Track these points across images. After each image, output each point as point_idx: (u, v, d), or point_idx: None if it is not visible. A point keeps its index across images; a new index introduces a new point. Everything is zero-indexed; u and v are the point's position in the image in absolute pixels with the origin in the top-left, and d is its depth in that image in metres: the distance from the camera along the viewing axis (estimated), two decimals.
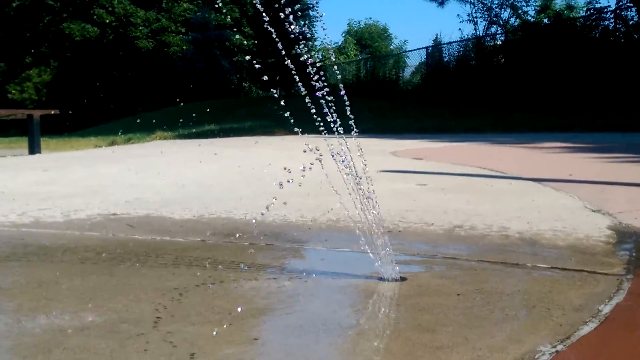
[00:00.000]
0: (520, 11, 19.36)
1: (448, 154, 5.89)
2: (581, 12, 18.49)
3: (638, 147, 6.06)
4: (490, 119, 11.35)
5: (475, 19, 19.53)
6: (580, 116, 10.68)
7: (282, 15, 1.51)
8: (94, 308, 1.37)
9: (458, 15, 27.56)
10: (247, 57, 2.04)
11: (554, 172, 4.00)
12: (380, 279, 1.56)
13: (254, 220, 2.44)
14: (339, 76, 2.25)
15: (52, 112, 8.62)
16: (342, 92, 1.56)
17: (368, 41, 49.43)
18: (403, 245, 1.98)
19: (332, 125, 1.56)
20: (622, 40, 14.59)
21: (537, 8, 19.99)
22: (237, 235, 2.15)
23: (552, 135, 8.24)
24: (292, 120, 1.59)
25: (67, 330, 1.23)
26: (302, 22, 21.17)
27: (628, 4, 14.73)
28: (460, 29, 31.47)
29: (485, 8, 19.57)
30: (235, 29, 26.78)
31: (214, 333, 1.20)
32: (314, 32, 23.42)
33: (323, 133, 1.56)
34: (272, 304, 1.42)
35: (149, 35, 27.80)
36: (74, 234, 2.28)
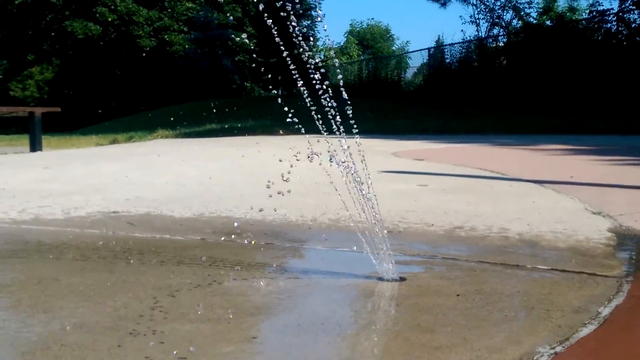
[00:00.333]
0: (522, 13, 19.32)
1: (449, 155, 5.88)
2: (584, 14, 18.50)
3: (639, 150, 6.05)
4: (491, 120, 11.35)
5: (478, 21, 19.50)
6: (581, 118, 10.67)
7: (283, 13, 1.51)
8: (93, 305, 1.37)
9: (460, 16, 27.54)
10: (252, 48, 2.02)
11: (555, 174, 3.99)
12: (380, 279, 1.56)
13: (254, 220, 2.44)
14: (341, 76, 2.24)
15: (54, 109, 8.64)
16: (344, 96, 1.55)
17: (370, 42, 49.46)
18: (403, 245, 1.98)
19: (333, 125, 1.56)
20: (625, 43, 14.56)
21: (539, 10, 19.99)
22: (237, 234, 2.15)
23: (554, 137, 8.23)
24: (293, 120, 1.59)
25: (65, 327, 1.23)
26: (304, 23, 21.19)
27: (631, 7, 14.71)
28: (462, 31, 31.58)
29: (487, 9, 19.53)
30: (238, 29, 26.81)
31: (213, 331, 1.20)
32: (316, 32, 23.46)
33: (324, 133, 1.56)
34: (271, 302, 1.41)
35: (151, 33, 27.81)
36: (74, 231, 2.28)
